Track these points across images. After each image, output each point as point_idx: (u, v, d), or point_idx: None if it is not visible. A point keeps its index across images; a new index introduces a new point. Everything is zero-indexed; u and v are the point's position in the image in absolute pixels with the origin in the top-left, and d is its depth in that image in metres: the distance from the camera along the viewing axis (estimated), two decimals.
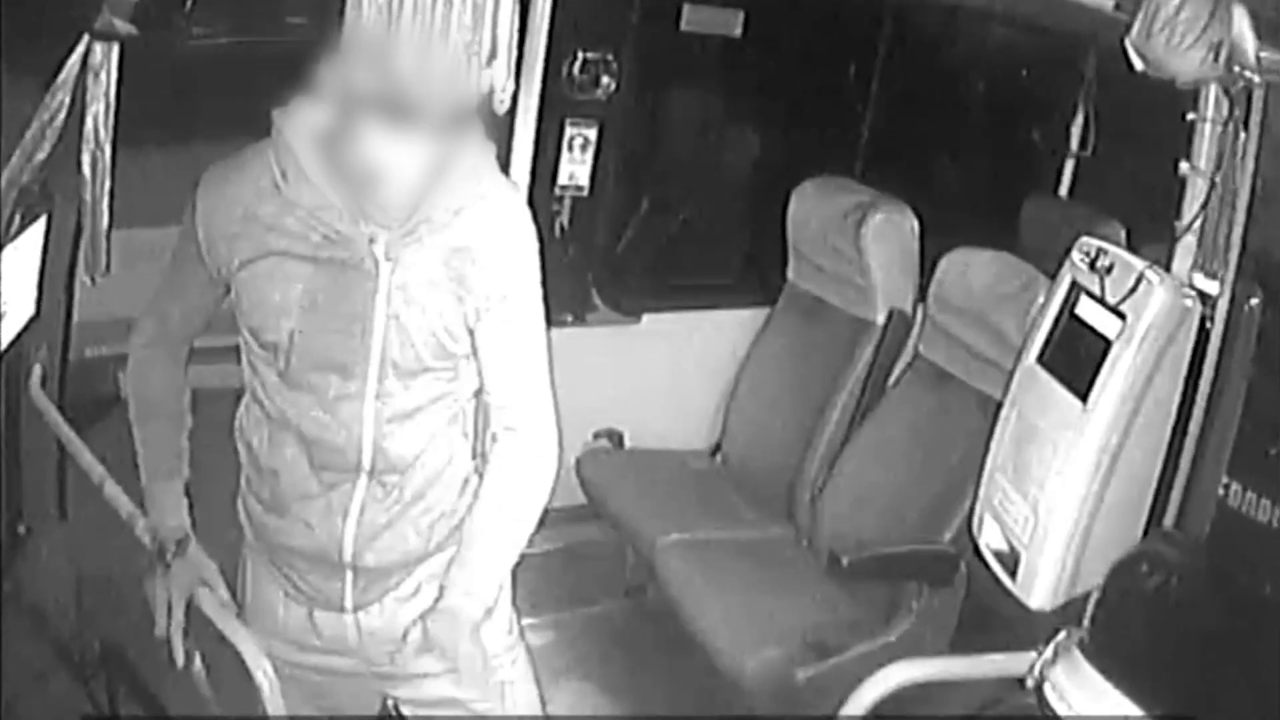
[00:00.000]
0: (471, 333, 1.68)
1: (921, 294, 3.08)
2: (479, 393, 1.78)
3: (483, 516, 1.77)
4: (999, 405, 2.30)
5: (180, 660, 1.76)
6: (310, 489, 1.70)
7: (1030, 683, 1.70)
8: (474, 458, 1.82)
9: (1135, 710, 1.56)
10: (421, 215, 1.58)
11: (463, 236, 1.62)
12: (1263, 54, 1.82)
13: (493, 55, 1.43)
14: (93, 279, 2.34)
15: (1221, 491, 2.06)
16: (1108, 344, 2.06)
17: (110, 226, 2.32)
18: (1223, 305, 2.04)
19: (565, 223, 3.23)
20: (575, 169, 3.15)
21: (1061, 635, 1.70)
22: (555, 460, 1.80)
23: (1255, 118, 1.93)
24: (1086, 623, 1.68)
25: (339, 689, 1.86)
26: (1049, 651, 1.68)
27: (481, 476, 1.81)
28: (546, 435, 1.78)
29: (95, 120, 2.21)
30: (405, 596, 1.79)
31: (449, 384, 1.71)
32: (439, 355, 1.66)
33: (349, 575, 1.74)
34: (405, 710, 1.92)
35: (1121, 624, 1.66)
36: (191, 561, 1.77)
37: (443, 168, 1.54)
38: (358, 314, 1.60)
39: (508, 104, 1.47)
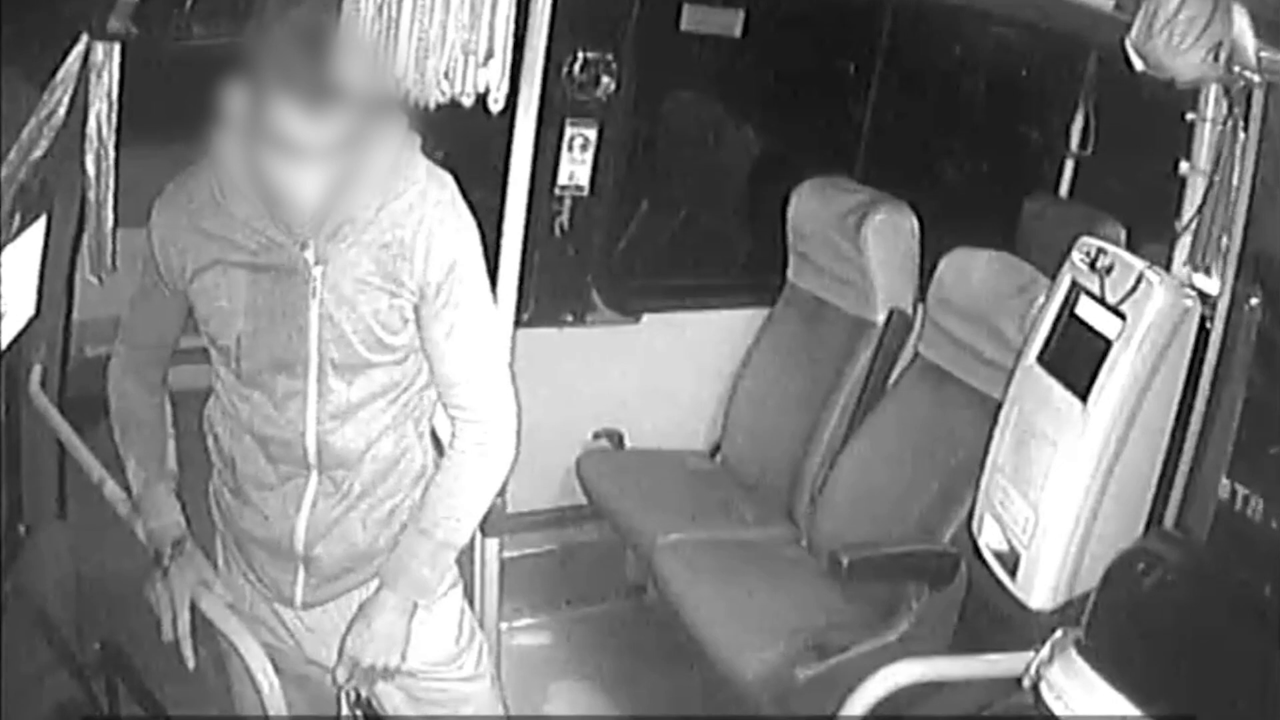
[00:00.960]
0: (412, 323, 1.71)
1: (921, 294, 3.08)
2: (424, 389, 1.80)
3: (440, 511, 1.77)
4: (999, 405, 2.30)
5: (191, 661, 1.78)
6: (268, 480, 1.76)
7: (1027, 682, 1.70)
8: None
9: (1132, 710, 1.56)
10: (342, 216, 1.62)
11: (388, 232, 1.65)
12: (1263, 54, 1.82)
13: (489, 55, 1.43)
14: (99, 278, 2.35)
15: (1222, 492, 2.06)
16: (1108, 344, 2.06)
17: (115, 226, 2.32)
18: (1223, 305, 2.03)
19: (565, 223, 3.23)
20: (575, 169, 3.15)
21: (1058, 635, 1.70)
22: (512, 448, 1.78)
23: (1255, 118, 1.93)
24: (1084, 622, 1.68)
25: (303, 677, 1.91)
26: (1046, 651, 1.68)
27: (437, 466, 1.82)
28: (502, 422, 1.77)
29: (98, 120, 2.21)
30: (355, 606, 1.82)
31: (395, 378, 1.74)
32: (376, 349, 1.69)
33: (300, 570, 1.80)
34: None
35: (1118, 623, 1.66)
36: (190, 561, 1.80)
37: (354, 175, 1.58)
38: (295, 315, 1.66)
39: (502, 104, 1.48)
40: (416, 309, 1.69)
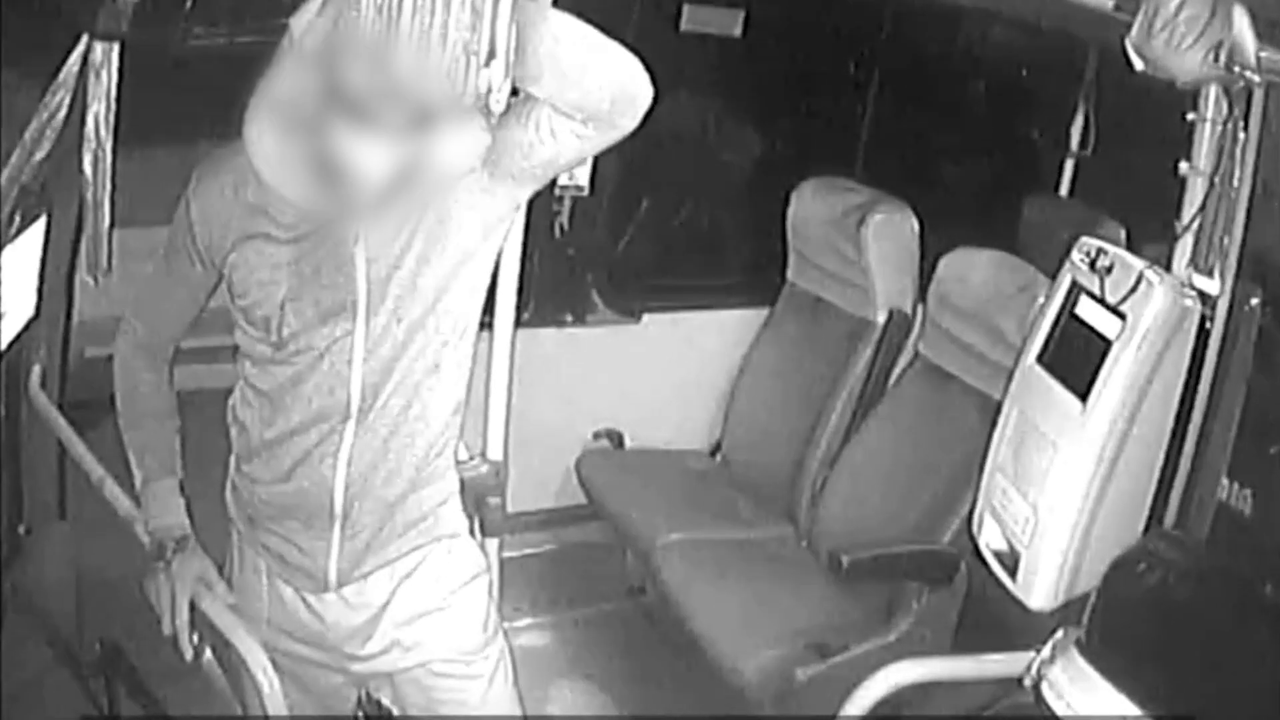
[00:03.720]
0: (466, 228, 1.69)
1: (921, 294, 3.08)
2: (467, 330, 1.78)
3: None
4: (999, 405, 2.30)
5: (189, 655, 1.78)
6: (304, 444, 1.73)
7: (1028, 682, 1.70)
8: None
9: (1133, 709, 1.56)
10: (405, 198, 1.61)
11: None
12: (1263, 54, 1.82)
13: (491, 55, 1.43)
14: (95, 279, 2.35)
15: (1222, 492, 2.06)
16: (1108, 344, 2.06)
17: (112, 226, 2.32)
18: (1223, 305, 2.03)
19: (565, 223, 3.23)
20: (575, 169, 3.15)
21: (1060, 634, 1.70)
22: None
23: (1255, 118, 1.93)
24: (1084, 621, 1.68)
25: (317, 679, 1.89)
26: (1047, 650, 1.68)
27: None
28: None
29: (96, 120, 2.21)
30: (384, 596, 1.82)
31: (438, 321, 1.72)
32: (420, 269, 1.67)
33: (336, 536, 1.77)
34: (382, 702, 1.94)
35: (1119, 623, 1.66)
36: (192, 557, 1.80)
37: (421, 160, 1.53)
38: (340, 262, 1.65)
39: (504, 104, 1.48)
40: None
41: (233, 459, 1.84)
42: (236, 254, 1.67)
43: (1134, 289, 2.03)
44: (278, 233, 1.65)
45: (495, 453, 2.26)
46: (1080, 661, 1.63)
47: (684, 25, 3.33)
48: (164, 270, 1.79)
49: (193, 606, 1.79)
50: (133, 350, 1.86)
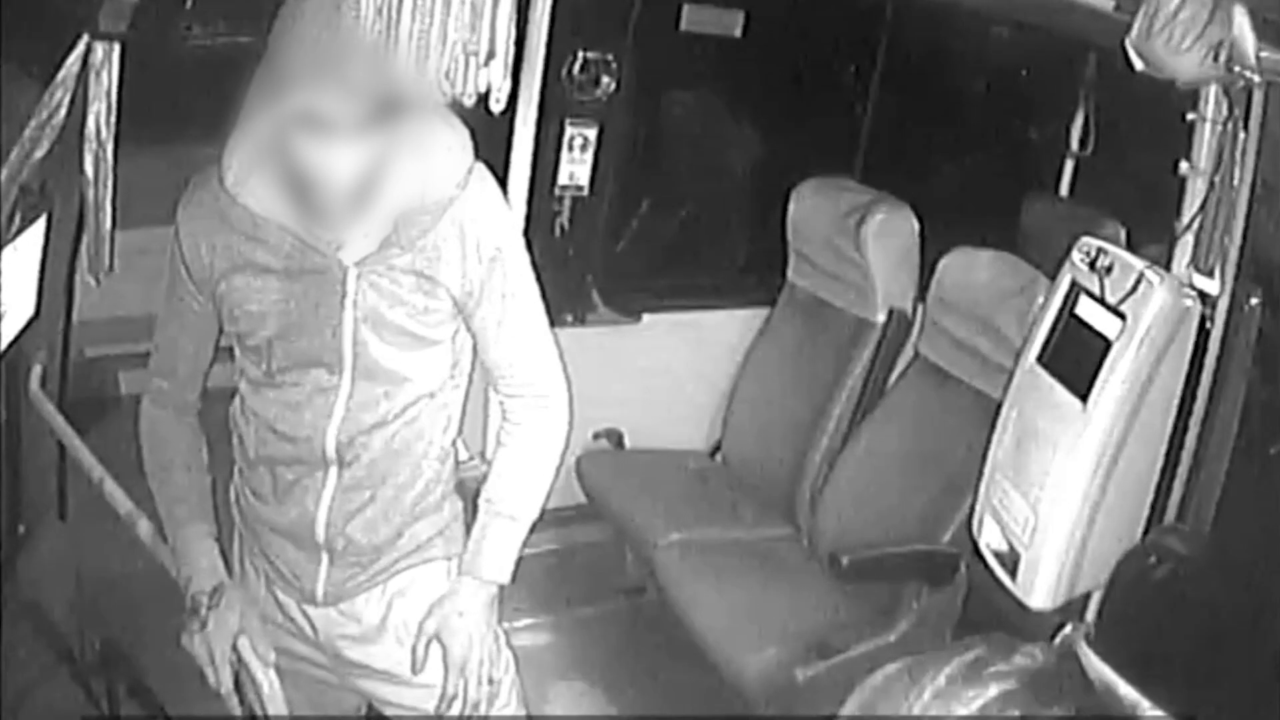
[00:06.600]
0: (450, 317, 1.70)
1: (921, 294, 3.08)
2: (456, 374, 1.79)
3: (506, 488, 1.83)
4: (999, 405, 2.30)
5: (239, 710, 1.74)
6: (287, 476, 1.73)
7: None
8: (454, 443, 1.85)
9: (1143, 702, 1.56)
10: (378, 207, 1.58)
11: (420, 231, 1.63)
12: (1263, 54, 1.82)
13: (490, 55, 1.43)
14: (96, 279, 2.35)
15: (1221, 491, 2.06)
16: (1108, 344, 2.06)
17: (113, 226, 2.32)
18: (1223, 305, 2.04)
19: (565, 223, 3.23)
20: (575, 169, 3.15)
21: (1068, 629, 1.70)
22: (568, 416, 1.83)
23: (1255, 118, 1.93)
24: (1092, 615, 1.68)
25: (314, 679, 1.88)
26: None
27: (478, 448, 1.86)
28: (562, 392, 1.82)
29: (97, 120, 2.21)
30: (378, 613, 1.81)
31: (424, 375, 1.71)
32: (413, 346, 1.68)
33: (324, 559, 1.77)
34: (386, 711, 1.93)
35: (1129, 616, 1.66)
36: (228, 609, 1.73)
37: (388, 160, 1.52)
38: (328, 316, 1.63)
39: (504, 104, 1.48)
40: (458, 302, 1.68)
41: (236, 463, 1.84)
42: (226, 284, 1.64)
43: (1134, 289, 2.03)
44: (270, 261, 1.62)
45: None
46: (1089, 655, 1.63)
47: (684, 25, 3.33)
48: (169, 314, 1.75)
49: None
50: (154, 406, 1.82)
